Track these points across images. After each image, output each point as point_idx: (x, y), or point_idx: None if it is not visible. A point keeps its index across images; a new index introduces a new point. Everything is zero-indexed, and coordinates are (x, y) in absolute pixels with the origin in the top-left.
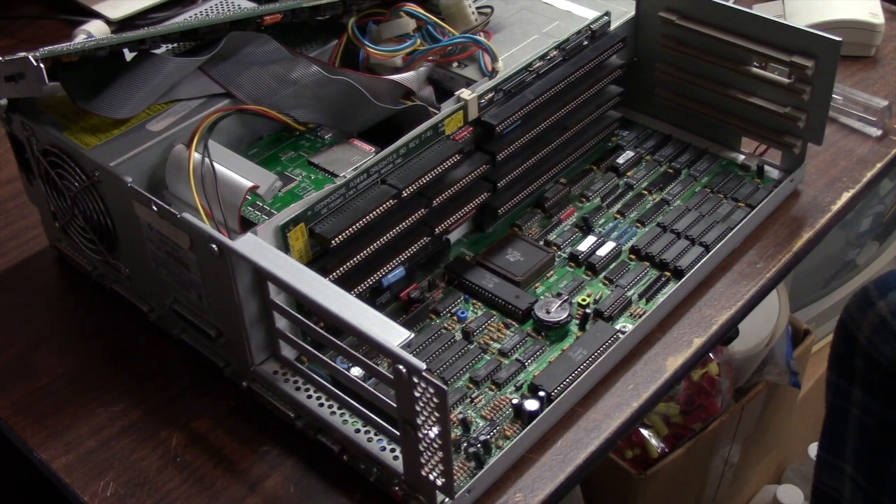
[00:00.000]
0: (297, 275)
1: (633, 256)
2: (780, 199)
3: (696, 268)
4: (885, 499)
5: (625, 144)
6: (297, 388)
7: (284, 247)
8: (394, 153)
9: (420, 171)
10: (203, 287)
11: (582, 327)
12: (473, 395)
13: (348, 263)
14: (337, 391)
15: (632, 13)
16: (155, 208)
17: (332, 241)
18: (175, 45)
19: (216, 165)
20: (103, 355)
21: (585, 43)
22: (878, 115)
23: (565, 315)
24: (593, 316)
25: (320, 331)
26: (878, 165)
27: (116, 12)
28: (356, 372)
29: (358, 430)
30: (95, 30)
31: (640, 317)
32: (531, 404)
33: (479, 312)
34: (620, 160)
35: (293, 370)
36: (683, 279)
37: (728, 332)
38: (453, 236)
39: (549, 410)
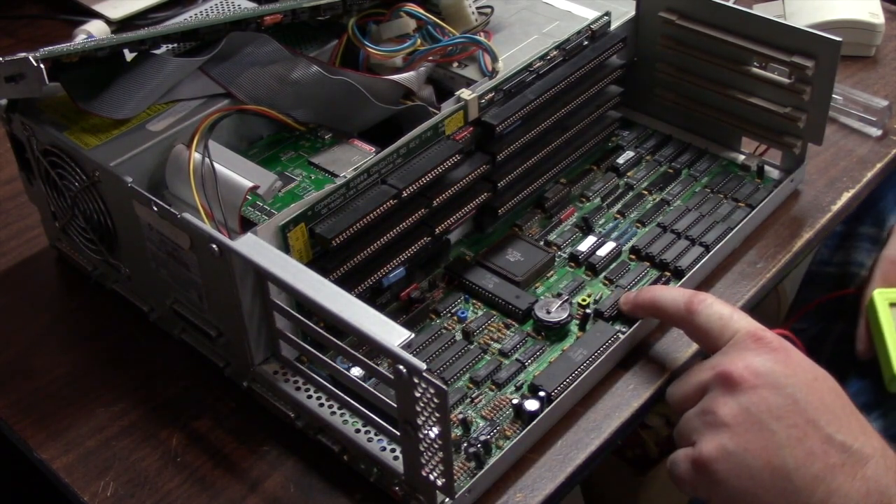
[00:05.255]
0: (297, 275)
1: (633, 256)
2: (780, 199)
3: (696, 268)
4: None
5: (625, 144)
6: (297, 388)
7: (284, 247)
8: (394, 153)
9: (420, 171)
10: (203, 287)
11: (582, 327)
12: (473, 396)
13: (348, 263)
14: (337, 391)
15: (632, 13)
16: (155, 208)
17: (333, 241)
18: (175, 45)
19: (216, 165)
20: (103, 355)
21: (585, 43)
22: (878, 115)
23: (565, 315)
24: (593, 316)
25: (320, 331)
26: (878, 165)
27: (116, 12)
28: (356, 372)
29: (358, 430)
30: (95, 30)
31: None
32: (531, 404)
33: (480, 312)
34: (620, 160)
35: (293, 370)
36: (683, 279)
37: None
38: (453, 236)
39: (549, 410)
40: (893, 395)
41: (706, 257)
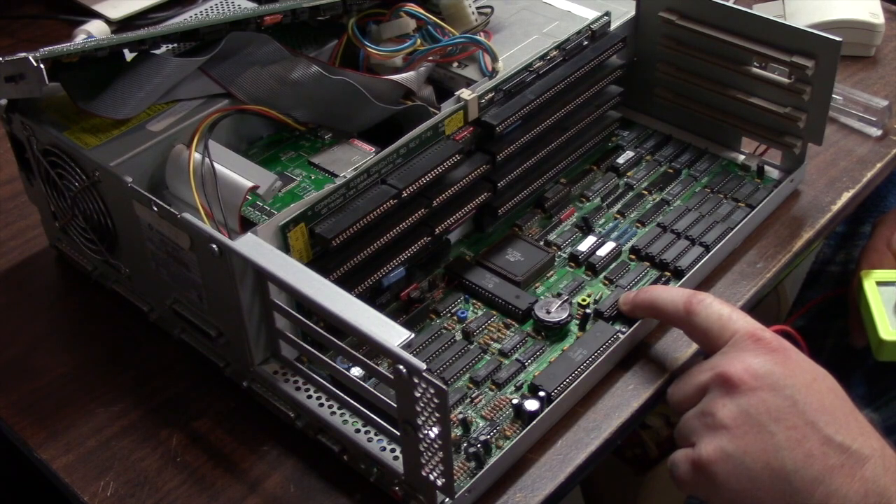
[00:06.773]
0: (297, 275)
1: (633, 256)
2: (780, 199)
3: (696, 268)
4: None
5: (625, 144)
6: (297, 388)
7: (284, 247)
8: (394, 153)
9: (420, 172)
10: (203, 287)
11: (582, 327)
12: (473, 396)
13: (348, 263)
14: (337, 391)
15: (632, 13)
16: (155, 208)
17: (333, 241)
18: (175, 45)
19: (216, 165)
20: (103, 355)
21: (585, 43)
22: (878, 115)
23: (565, 315)
24: (593, 316)
25: (320, 331)
26: (878, 165)
27: (116, 12)
28: (356, 372)
29: (358, 430)
30: (95, 30)
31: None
32: (531, 404)
33: (479, 312)
34: (620, 160)
35: (293, 370)
36: (683, 279)
37: None
38: (453, 236)
39: (549, 410)
40: (889, 388)
41: (706, 257)
